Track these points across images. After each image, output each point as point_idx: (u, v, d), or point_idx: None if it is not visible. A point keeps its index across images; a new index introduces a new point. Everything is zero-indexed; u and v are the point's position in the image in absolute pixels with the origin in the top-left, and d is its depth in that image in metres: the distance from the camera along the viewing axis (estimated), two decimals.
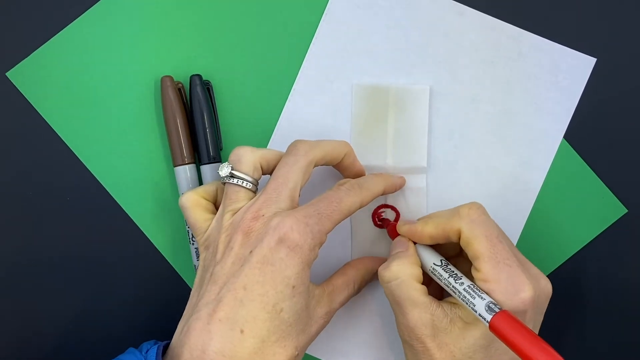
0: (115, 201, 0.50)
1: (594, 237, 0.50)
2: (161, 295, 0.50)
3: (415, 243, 0.45)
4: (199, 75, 0.48)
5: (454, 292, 0.41)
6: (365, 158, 0.49)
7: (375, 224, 0.49)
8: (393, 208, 0.49)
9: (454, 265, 0.43)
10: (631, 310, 0.50)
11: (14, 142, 0.49)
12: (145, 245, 0.50)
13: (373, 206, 0.49)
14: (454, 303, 0.42)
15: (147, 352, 0.41)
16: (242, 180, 0.43)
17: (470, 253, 0.42)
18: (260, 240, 0.40)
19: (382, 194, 0.46)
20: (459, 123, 0.50)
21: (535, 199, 0.50)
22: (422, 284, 0.43)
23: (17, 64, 0.49)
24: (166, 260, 0.50)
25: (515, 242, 0.50)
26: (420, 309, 0.41)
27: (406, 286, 0.42)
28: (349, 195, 0.43)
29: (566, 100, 0.50)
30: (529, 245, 0.50)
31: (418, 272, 0.43)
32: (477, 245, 0.41)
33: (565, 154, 0.50)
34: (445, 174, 0.50)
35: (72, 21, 0.49)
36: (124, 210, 0.50)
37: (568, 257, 0.50)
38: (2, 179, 0.49)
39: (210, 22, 0.49)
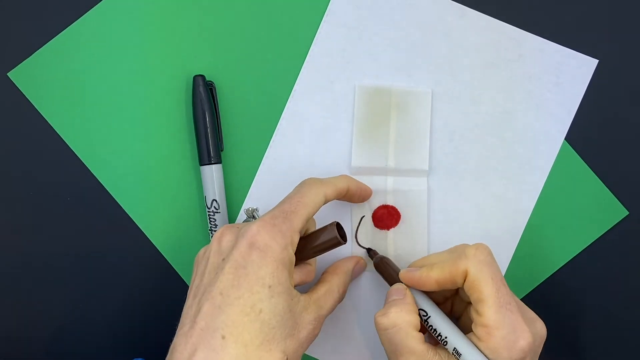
0: (116, 201, 0.50)
1: (595, 239, 0.50)
2: (161, 295, 0.50)
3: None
4: (202, 76, 0.48)
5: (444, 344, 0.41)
6: (366, 159, 0.49)
7: (376, 225, 0.49)
8: (393, 208, 0.49)
9: (451, 305, 0.44)
10: (632, 312, 0.50)
11: (14, 142, 0.50)
12: (146, 246, 0.50)
13: (373, 206, 0.49)
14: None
15: None
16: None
17: (474, 296, 0.41)
18: (232, 248, 0.40)
19: (346, 192, 0.46)
20: (460, 124, 0.50)
21: (536, 200, 0.50)
22: (419, 330, 0.43)
23: (18, 64, 0.49)
24: (166, 261, 0.50)
25: (515, 245, 0.50)
26: (417, 358, 0.41)
27: (404, 334, 0.42)
28: (311, 188, 0.43)
29: (568, 102, 0.50)
30: (530, 247, 0.49)
31: (416, 320, 0.42)
32: (484, 287, 0.40)
33: (566, 155, 0.50)
34: (446, 176, 0.50)
35: (74, 21, 0.49)
36: (124, 210, 0.50)
37: (569, 259, 0.50)
38: (3, 178, 0.50)
39: (212, 23, 0.49)
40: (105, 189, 0.50)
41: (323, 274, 0.46)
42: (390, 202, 0.50)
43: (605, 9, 0.50)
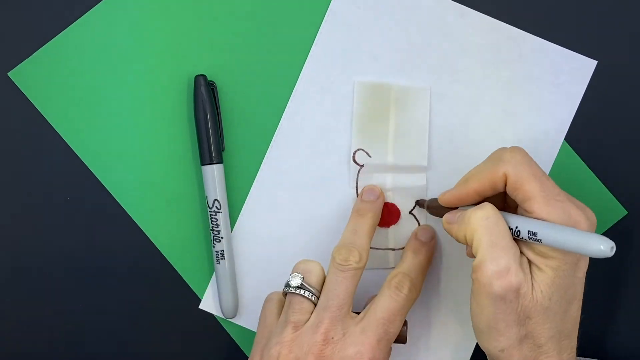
0: (116, 201, 0.50)
1: None
2: (162, 295, 0.50)
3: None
4: (203, 76, 0.48)
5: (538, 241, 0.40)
6: (366, 156, 0.49)
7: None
8: (393, 206, 0.50)
9: None
10: (632, 312, 0.50)
11: (15, 142, 0.49)
12: (146, 246, 0.50)
13: None
14: (525, 246, 0.41)
15: None
16: (310, 294, 0.44)
17: (519, 196, 0.41)
18: None
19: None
20: (460, 124, 0.50)
21: None
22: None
23: (19, 63, 0.49)
24: (167, 261, 0.50)
25: None
26: (516, 251, 0.40)
27: (504, 224, 0.41)
28: (407, 301, 0.44)
29: (567, 102, 0.50)
30: None
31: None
32: (527, 186, 0.40)
33: (566, 155, 0.50)
34: (446, 174, 0.50)
35: (75, 21, 0.49)
36: (125, 211, 0.50)
37: None
38: (3, 178, 0.49)
39: (213, 23, 0.49)
40: (105, 189, 0.50)
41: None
42: (390, 200, 0.50)
43: (605, 9, 0.50)
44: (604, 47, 0.50)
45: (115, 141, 0.49)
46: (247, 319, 0.51)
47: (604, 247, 0.36)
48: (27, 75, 0.49)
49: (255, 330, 0.50)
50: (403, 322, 0.44)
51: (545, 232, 0.39)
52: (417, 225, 0.50)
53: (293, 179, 0.50)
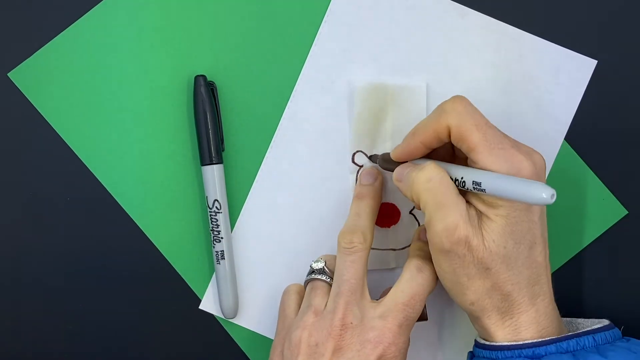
0: (116, 201, 0.50)
1: (595, 238, 0.50)
2: (162, 295, 0.50)
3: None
4: (203, 76, 0.48)
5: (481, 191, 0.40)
6: (364, 156, 0.50)
7: (376, 223, 0.49)
8: (394, 206, 0.50)
9: None
10: (632, 312, 0.50)
11: (15, 142, 0.49)
12: (146, 246, 0.50)
13: None
14: (474, 197, 0.41)
15: None
16: (330, 279, 0.45)
17: (464, 147, 0.41)
18: (357, 352, 0.42)
19: None
20: None
21: None
22: None
23: (18, 64, 0.49)
24: (167, 261, 0.50)
25: None
26: (462, 207, 0.40)
27: (447, 182, 0.41)
28: (427, 282, 0.44)
29: (567, 102, 0.50)
30: None
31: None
32: (470, 136, 0.40)
33: (566, 155, 0.50)
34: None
35: (75, 21, 0.49)
36: (125, 211, 0.50)
37: (568, 259, 0.50)
38: (3, 178, 0.49)
39: (213, 23, 0.49)
40: (105, 189, 0.50)
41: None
42: (390, 200, 0.50)
43: (604, 9, 0.50)
44: (604, 47, 0.50)
45: (115, 141, 0.49)
46: (247, 319, 0.51)
47: (545, 195, 0.36)
48: (27, 76, 0.49)
49: (255, 331, 0.51)
50: (423, 304, 0.44)
51: (489, 182, 0.39)
52: (418, 225, 0.50)
53: (293, 179, 0.50)
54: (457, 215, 0.40)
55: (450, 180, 0.41)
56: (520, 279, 0.41)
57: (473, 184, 0.40)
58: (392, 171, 0.46)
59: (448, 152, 0.45)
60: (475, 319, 0.43)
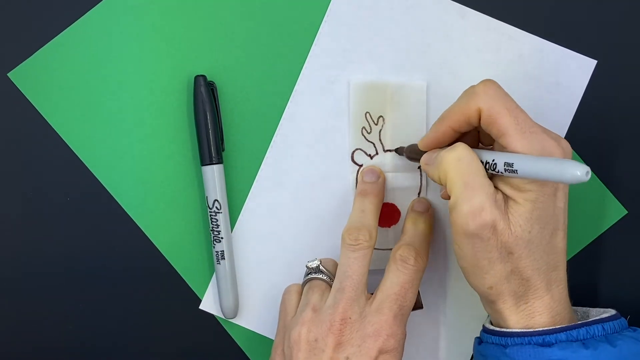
0: (116, 201, 0.50)
1: (594, 238, 0.50)
2: (162, 295, 0.50)
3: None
4: (203, 76, 0.48)
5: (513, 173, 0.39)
6: (363, 154, 0.50)
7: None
8: (394, 206, 0.50)
9: None
10: (632, 312, 0.50)
11: (15, 142, 0.49)
12: (146, 246, 0.50)
13: None
14: (501, 182, 0.41)
15: None
16: (327, 277, 0.46)
17: (494, 131, 0.40)
18: (358, 347, 0.42)
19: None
20: None
21: None
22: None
23: (18, 64, 0.49)
24: (167, 261, 0.50)
25: None
26: (489, 190, 0.40)
27: (477, 164, 0.41)
28: (416, 272, 0.44)
29: (567, 102, 0.50)
30: None
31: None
32: (501, 120, 0.40)
33: None
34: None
35: (75, 21, 0.49)
36: (125, 211, 0.50)
37: (568, 258, 0.50)
38: (3, 178, 0.49)
39: (213, 23, 0.49)
40: (105, 189, 0.50)
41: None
42: (390, 200, 0.50)
43: (604, 10, 0.50)
44: (604, 47, 0.50)
45: (115, 141, 0.49)
46: (247, 319, 0.51)
47: (580, 173, 0.35)
48: (26, 76, 0.49)
49: (255, 331, 0.51)
50: (416, 292, 0.45)
51: (521, 163, 0.38)
52: None
53: (293, 179, 0.50)
54: (484, 196, 0.40)
55: (480, 162, 0.41)
56: (540, 264, 0.41)
57: (505, 165, 0.39)
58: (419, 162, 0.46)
59: (474, 141, 0.45)
60: (489, 302, 0.43)
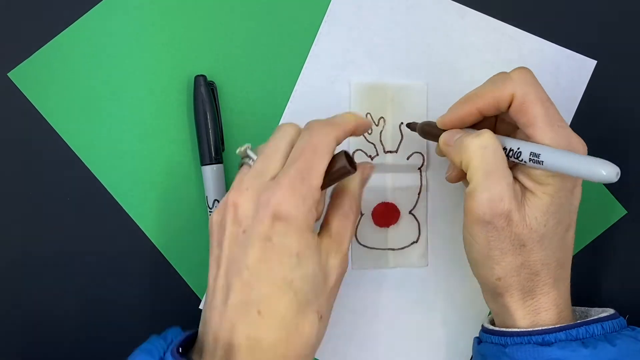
0: (116, 201, 0.50)
1: (594, 238, 0.50)
2: (162, 295, 0.50)
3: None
4: (203, 76, 0.48)
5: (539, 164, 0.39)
6: (363, 155, 0.50)
7: (376, 223, 0.50)
8: (394, 206, 0.50)
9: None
10: (630, 311, 0.50)
11: (15, 142, 0.49)
12: (147, 246, 0.50)
13: (373, 205, 0.49)
14: (521, 173, 0.41)
15: (171, 342, 0.41)
16: (250, 160, 0.42)
17: (523, 120, 0.40)
18: (253, 218, 0.39)
19: (354, 131, 0.42)
20: None
21: None
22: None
23: (18, 64, 0.49)
24: (167, 261, 0.50)
25: None
26: (509, 180, 0.40)
27: (501, 154, 0.40)
28: (321, 136, 0.40)
29: (566, 102, 0.50)
30: None
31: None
32: (533, 109, 0.40)
33: None
34: (444, 173, 0.50)
35: (75, 21, 0.49)
36: (125, 211, 0.50)
37: None
38: (3, 179, 0.49)
39: (213, 23, 0.49)
40: (105, 189, 0.50)
41: (332, 197, 0.43)
42: (390, 200, 0.50)
43: (603, 10, 0.50)
44: (604, 47, 0.50)
45: (115, 141, 0.49)
46: None
47: (610, 171, 0.35)
48: (26, 76, 0.49)
49: None
50: (329, 151, 0.40)
51: (549, 155, 0.38)
52: (417, 225, 0.50)
53: None
54: (504, 186, 0.40)
55: (504, 152, 0.41)
56: (550, 260, 0.41)
57: (530, 154, 0.39)
58: (433, 140, 0.45)
59: (491, 127, 0.44)
60: (495, 296, 0.42)
